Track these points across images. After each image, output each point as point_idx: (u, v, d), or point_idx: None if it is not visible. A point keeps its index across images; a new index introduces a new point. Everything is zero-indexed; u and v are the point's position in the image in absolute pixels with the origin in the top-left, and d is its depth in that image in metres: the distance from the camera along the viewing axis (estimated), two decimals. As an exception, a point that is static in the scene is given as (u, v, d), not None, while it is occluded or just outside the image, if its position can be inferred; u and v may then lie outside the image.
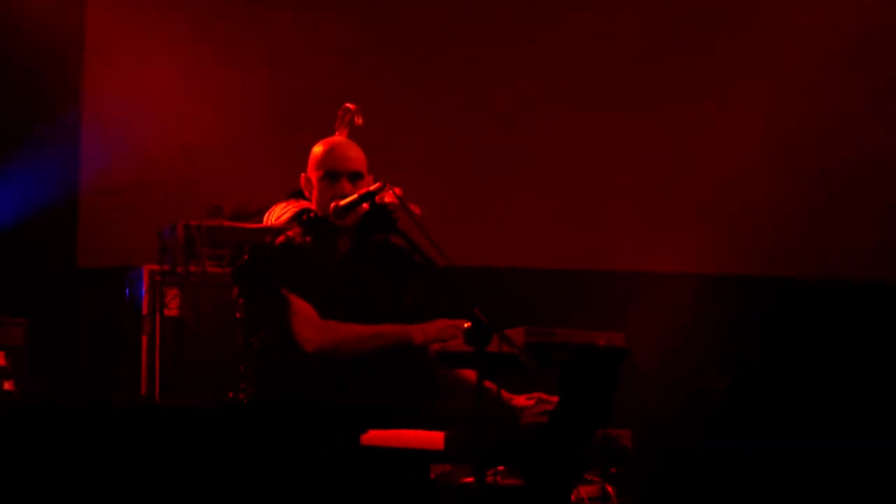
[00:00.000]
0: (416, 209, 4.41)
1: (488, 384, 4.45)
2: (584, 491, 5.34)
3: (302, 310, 4.38)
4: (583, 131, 7.71)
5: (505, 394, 4.37)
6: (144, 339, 6.40)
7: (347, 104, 4.75)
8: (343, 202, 4.44)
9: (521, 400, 4.56)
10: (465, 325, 4.12)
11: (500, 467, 5.05)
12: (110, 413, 6.22)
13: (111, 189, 7.28)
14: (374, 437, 4.26)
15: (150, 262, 6.50)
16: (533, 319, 4.35)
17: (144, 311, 6.41)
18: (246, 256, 4.48)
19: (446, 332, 4.39)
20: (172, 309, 6.41)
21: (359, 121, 4.71)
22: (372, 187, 4.42)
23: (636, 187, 7.68)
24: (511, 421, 4.47)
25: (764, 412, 7.40)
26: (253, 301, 4.45)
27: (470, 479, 5.10)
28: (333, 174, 4.53)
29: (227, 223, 6.57)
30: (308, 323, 4.37)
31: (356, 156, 4.56)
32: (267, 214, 4.67)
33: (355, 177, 4.53)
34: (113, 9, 7.44)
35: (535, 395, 4.59)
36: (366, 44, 7.65)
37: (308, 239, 4.52)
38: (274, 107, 7.47)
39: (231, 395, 6.06)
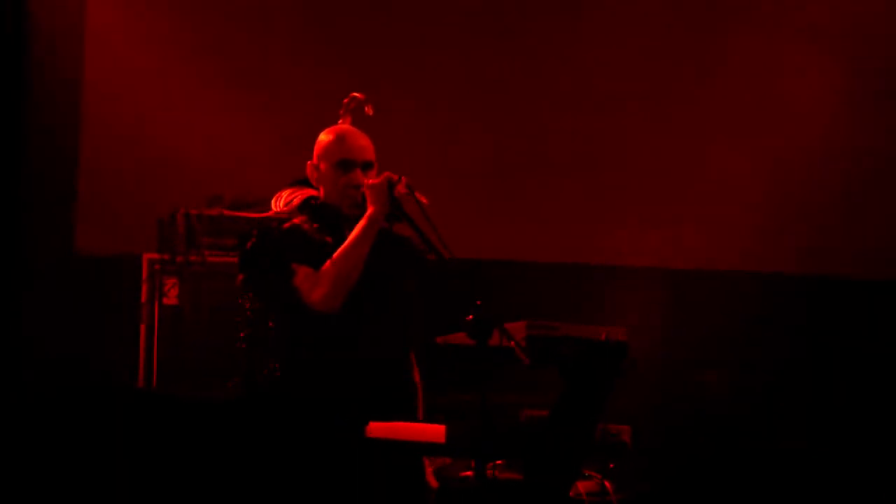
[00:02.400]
0: (424, 199, 4.39)
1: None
2: (583, 486, 5.34)
3: (303, 273, 4.38)
4: (590, 128, 7.70)
5: None
6: (143, 328, 6.39)
7: (354, 93, 4.72)
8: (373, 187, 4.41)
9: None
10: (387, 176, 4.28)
11: (500, 461, 5.06)
12: (113, 400, 6.22)
13: (111, 176, 7.25)
14: (376, 429, 4.25)
15: (150, 251, 6.49)
16: (536, 313, 4.34)
17: (143, 299, 6.40)
18: (254, 239, 4.47)
19: (380, 186, 4.36)
20: (171, 298, 6.40)
21: (369, 111, 4.68)
22: (393, 178, 4.40)
23: (640, 183, 7.67)
24: (510, 415, 4.47)
25: (761, 408, 7.40)
26: (262, 277, 4.45)
27: (470, 473, 5.11)
28: (348, 163, 4.52)
29: (227, 212, 6.56)
30: (308, 281, 4.37)
31: (368, 145, 4.56)
32: (274, 200, 4.64)
33: (368, 166, 4.53)
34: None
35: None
36: (374, 34, 7.63)
37: (315, 225, 4.53)
38: (277, 96, 7.45)
39: (230, 384, 6.09)
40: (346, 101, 4.68)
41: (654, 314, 7.15)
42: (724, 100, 7.72)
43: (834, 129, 7.75)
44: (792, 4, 7.86)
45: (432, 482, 4.53)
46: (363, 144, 4.55)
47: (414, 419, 4.43)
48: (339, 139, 4.56)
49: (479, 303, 4.10)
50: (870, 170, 7.81)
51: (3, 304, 6.76)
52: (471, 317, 4.10)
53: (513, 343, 4.16)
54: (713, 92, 7.74)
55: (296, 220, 4.55)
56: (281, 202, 4.63)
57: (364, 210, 4.41)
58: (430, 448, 4.21)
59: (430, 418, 4.47)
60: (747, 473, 7.19)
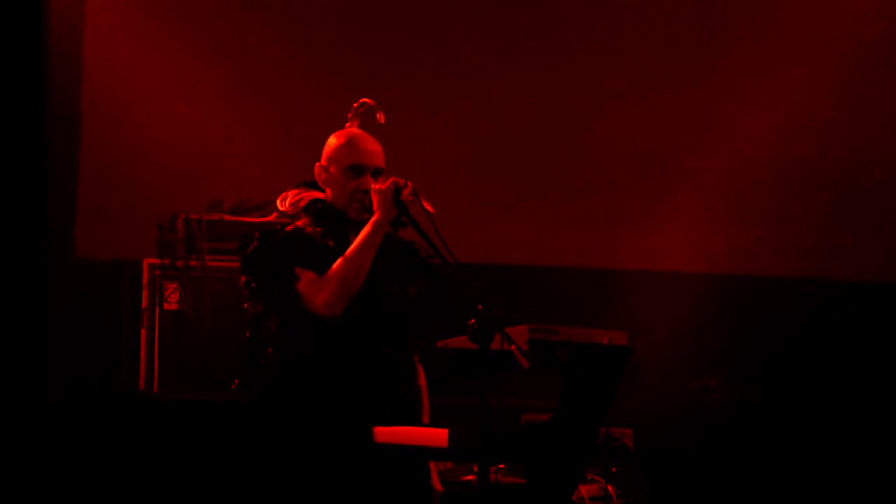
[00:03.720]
0: (430, 208, 4.38)
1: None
2: (585, 490, 5.34)
3: (306, 278, 4.37)
4: (591, 129, 7.69)
5: None
6: (143, 333, 6.40)
7: (365, 98, 4.69)
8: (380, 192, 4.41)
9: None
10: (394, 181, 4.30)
11: (501, 465, 5.06)
12: (119, 406, 6.23)
13: (111, 181, 7.25)
14: (379, 433, 4.25)
15: (150, 256, 6.50)
16: (537, 317, 4.34)
17: (143, 304, 6.41)
18: (256, 242, 4.46)
19: (387, 191, 4.36)
20: (172, 303, 6.41)
21: (381, 118, 4.64)
22: (400, 182, 4.38)
23: (641, 186, 7.67)
24: (513, 418, 4.48)
25: (765, 414, 7.40)
26: (264, 282, 4.43)
27: (472, 477, 5.11)
28: (359, 168, 4.50)
29: (226, 217, 6.57)
30: (311, 286, 4.36)
31: (379, 151, 4.53)
32: (280, 200, 4.61)
33: (378, 172, 4.51)
34: (112, 3, 7.41)
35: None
36: (379, 36, 7.63)
37: (318, 229, 4.51)
38: (276, 101, 7.44)
39: (236, 382, 6.09)
40: (356, 105, 4.65)
41: (657, 318, 7.15)
42: (724, 101, 7.72)
43: (834, 131, 7.76)
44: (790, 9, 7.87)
45: (438, 486, 4.53)
46: (374, 150, 4.52)
47: (418, 423, 4.43)
48: (351, 143, 4.52)
49: (480, 307, 4.10)
50: (869, 173, 7.81)
51: (7, 311, 6.76)
52: (473, 321, 4.10)
53: (513, 347, 4.16)
54: (713, 93, 7.74)
55: (298, 224, 4.53)
56: (287, 203, 4.60)
57: (371, 215, 4.40)
58: (432, 452, 4.21)
59: (434, 422, 4.47)
60: (749, 477, 7.19)
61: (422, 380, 4.61)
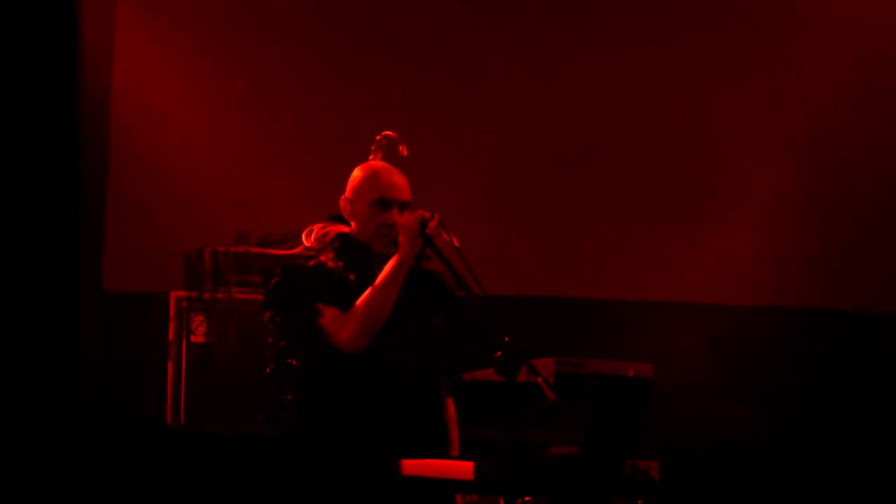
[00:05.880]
0: (455, 241, 4.38)
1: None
2: (612, 523, 5.31)
3: (330, 314, 4.36)
4: (616, 163, 7.71)
5: None
6: (170, 365, 6.41)
7: (387, 132, 4.70)
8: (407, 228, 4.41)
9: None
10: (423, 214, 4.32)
11: (528, 498, 5.05)
12: (142, 438, 6.24)
13: (138, 214, 7.29)
14: (404, 466, 4.25)
15: (177, 288, 6.52)
16: (563, 349, 4.34)
17: (170, 336, 6.43)
18: (277, 278, 4.47)
19: (413, 225, 4.36)
20: (198, 335, 6.43)
21: (404, 151, 4.64)
22: (426, 216, 4.38)
23: (665, 217, 7.67)
24: (539, 451, 4.47)
25: (792, 445, 7.38)
26: (287, 317, 4.44)
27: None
28: (386, 202, 4.49)
29: (253, 249, 6.60)
30: (336, 322, 4.35)
31: (405, 185, 4.52)
32: (305, 233, 4.62)
33: (404, 206, 4.50)
34: (141, 36, 7.46)
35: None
36: (403, 66, 7.66)
37: (340, 263, 4.50)
38: (302, 134, 7.48)
39: (261, 417, 6.10)
40: (378, 137, 4.65)
41: (684, 349, 7.14)
42: (735, 144, 7.72)
43: (856, 157, 7.74)
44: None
45: None
46: (400, 183, 4.51)
47: (446, 456, 4.42)
48: (377, 176, 4.51)
49: (507, 339, 4.10)
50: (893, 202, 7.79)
51: (33, 343, 6.79)
52: (499, 353, 4.10)
53: (539, 380, 4.16)
54: (732, 118, 7.74)
55: (321, 258, 4.53)
56: (312, 237, 4.61)
57: (397, 249, 4.40)
58: (458, 485, 4.21)
59: (460, 455, 4.47)
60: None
61: (451, 412, 4.61)
